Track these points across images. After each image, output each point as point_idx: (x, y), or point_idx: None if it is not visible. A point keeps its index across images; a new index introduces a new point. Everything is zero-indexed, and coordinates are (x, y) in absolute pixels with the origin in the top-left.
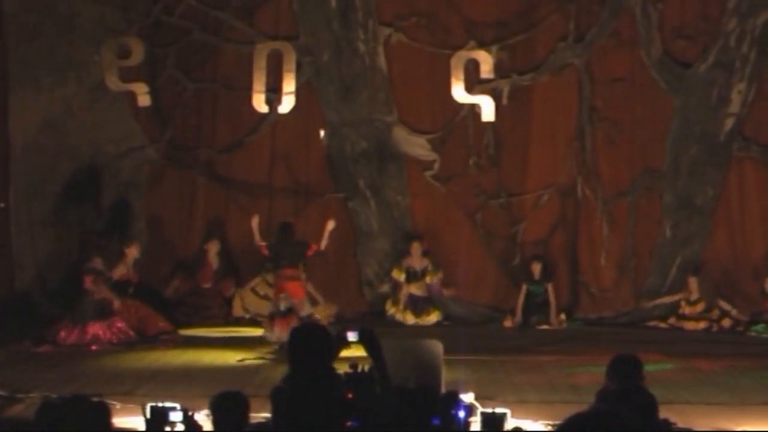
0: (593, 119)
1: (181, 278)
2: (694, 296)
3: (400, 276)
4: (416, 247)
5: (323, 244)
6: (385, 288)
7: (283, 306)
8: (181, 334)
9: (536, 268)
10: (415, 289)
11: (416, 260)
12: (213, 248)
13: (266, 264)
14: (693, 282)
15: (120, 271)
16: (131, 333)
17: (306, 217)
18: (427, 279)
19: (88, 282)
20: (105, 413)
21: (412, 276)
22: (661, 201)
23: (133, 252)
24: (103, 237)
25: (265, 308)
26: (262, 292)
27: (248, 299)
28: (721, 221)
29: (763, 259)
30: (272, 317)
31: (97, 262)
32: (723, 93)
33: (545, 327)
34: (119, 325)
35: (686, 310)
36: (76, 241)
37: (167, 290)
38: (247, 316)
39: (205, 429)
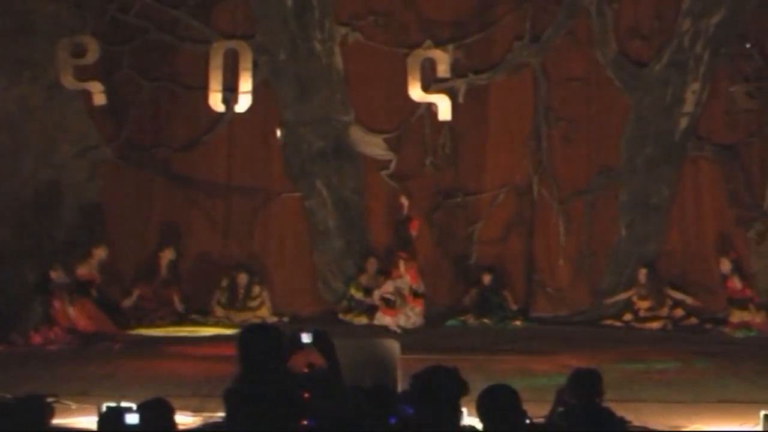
0: (549, 118)
1: (142, 287)
2: (644, 291)
3: (357, 293)
4: (372, 263)
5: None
6: (344, 303)
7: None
8: (129, 336)
9: (486, 279)
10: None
11: (371, 278)
12: (166, 256)
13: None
14: (642, 274)
15: (83, 271)
16: (78, 335)
17: (263, 216)
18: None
19: (55, 303)
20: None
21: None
22: (617, 200)
23: (100, 253)
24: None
25: (246, 315)
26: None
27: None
28: (676, 220)
29: (718, 243)
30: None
31: (57, 275)
32: (677, 92)
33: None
34: (63, 330)
35: (639, 305)
36: (33, 240)
37: (127, 300)
38: (224, 317)
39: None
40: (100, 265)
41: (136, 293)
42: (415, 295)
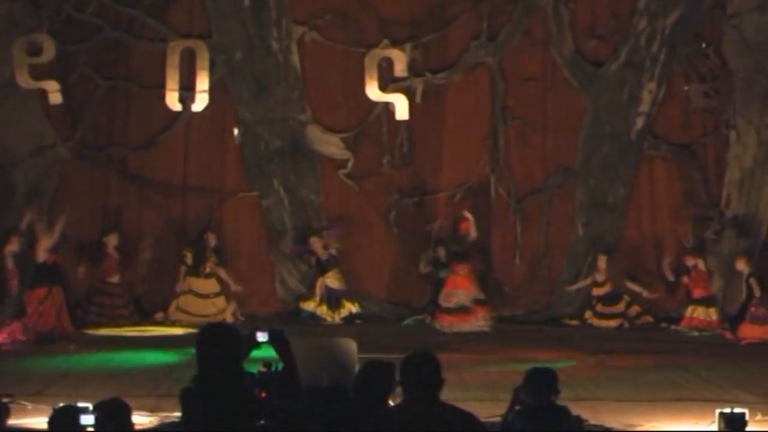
0: (506, 118)
1: (86, 265)
2: (602, 277)
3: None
4: (315, 242)
5: (473, 234)
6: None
7: (470, 301)
8: (85, 335)
9: (441, 253)
10: (332, 281)
11: (320, 253)
12: (112, 241)
13: (190, 264)
14: (602, 261)
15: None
16: (34, 334)
17: (220, 215)
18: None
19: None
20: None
21: (325, 265)
22: (573, 199)
23: (46, 242)
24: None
25: (208, 308)
26: (202, 292)
27: (188, 302)
28: (632, 219)
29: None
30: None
31: (13, 242)
32: (633, 92)
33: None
34: (30, 325)
35: (596, 291)
36: None
37: (77, 276)
38: (185, 319)
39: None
40: (55, 248)
41: (81, 271)
42: (477, 302)
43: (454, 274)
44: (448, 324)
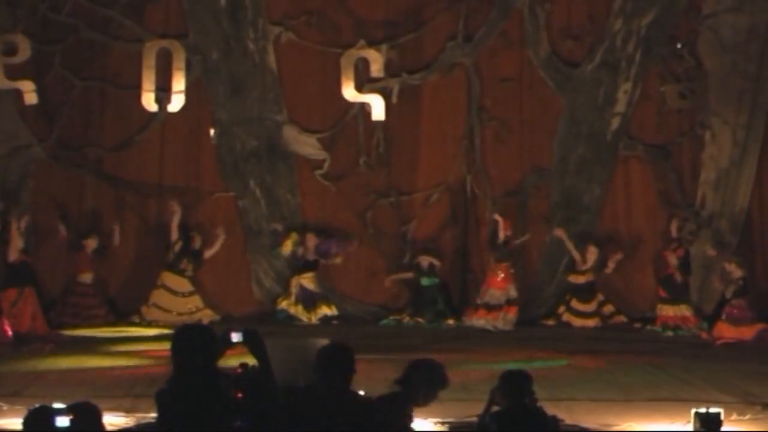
0: (482, 118)
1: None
2: (586, 266)
3: (286, 250)
4: (310, 238)
5: (501, 235)
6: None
7: (504, 299)
8: (61, 336)
9: (425, 262)
10: (307, 282)
11: (309, 252)
12: (91, 244)
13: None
14: (592, 252)
15: (12, 256)
16: (10, 335)
17: (196, 216)
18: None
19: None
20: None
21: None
22: (549, 199)
23: (17, 243)
24: None
25: (181, 305)
26: (176, 289)
27: (162, 298)
28: (608, 219)
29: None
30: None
31: None
32: (609, 93)
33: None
34: (5, 327)
35: (575, 279)
36: None
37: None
38: (159, 316)
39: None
40: (27, 245)
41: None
42: (509, 302)
43: (492, 273)
44: (477, 319)
